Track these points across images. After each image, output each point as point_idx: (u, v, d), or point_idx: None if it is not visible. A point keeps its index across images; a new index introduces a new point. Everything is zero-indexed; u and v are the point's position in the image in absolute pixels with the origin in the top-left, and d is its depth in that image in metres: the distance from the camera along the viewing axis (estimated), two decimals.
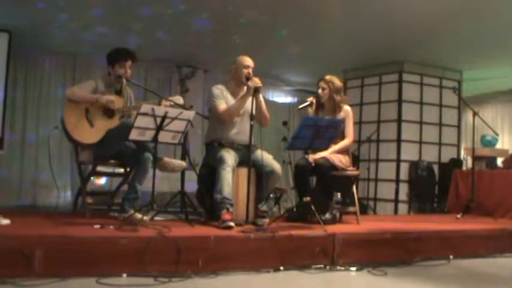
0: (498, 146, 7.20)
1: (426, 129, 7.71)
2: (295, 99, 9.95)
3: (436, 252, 3.97)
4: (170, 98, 4.19)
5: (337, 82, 4.61)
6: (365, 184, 7.68)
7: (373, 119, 7.85)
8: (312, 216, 3.98)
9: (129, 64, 4.16)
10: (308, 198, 4.00)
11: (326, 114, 4.53)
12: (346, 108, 4.59)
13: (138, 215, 3.70)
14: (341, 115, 4.52)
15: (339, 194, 5.85)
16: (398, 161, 7.52)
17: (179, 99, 4.22)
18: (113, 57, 4.17)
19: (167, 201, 4.39)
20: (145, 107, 3.59)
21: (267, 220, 4.09)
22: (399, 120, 7.55)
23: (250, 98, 4.09)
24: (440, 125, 7.84)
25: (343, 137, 4.50)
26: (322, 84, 4.58)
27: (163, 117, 3.62)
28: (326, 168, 4.26)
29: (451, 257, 3.97)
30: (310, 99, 4.61)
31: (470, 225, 4.77)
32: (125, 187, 4.39)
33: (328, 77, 4.60)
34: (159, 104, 4.04)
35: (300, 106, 4.69)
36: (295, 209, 4.54)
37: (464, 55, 7.15)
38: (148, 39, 6.73)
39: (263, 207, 5.16)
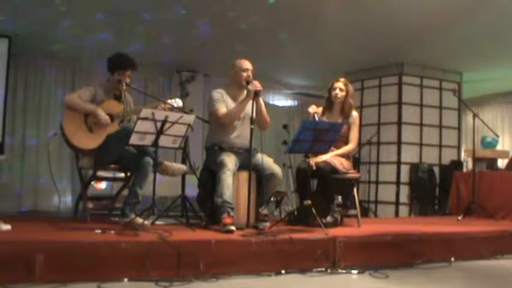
0: (498, 147, 7.20)
1: (426, 131, 7.70)
2: (296, 102, 9.96)
3: (437, 255, 3.96)
4: (169, 101, 4.19)
5: (351, 86, 4.59)
6: (366, 187, 7.68)
7: (374, 121, 7.85)
8: (313, 219, 3.96)
9: (128, 73, 4.17)
10: (309, 202, 3.99)
11: (333, 117, 4.49)
12: (354, 113, 4.56)
13: (139, 220, 3.70)
14: (349, 120, 4.49)
15: (339, 197, 5.85)
16: (398, 163, 7.52)
17: (178, 103, 4.22)
18: (113, 64, 4.18)
19: (168, 205, 4.40)
20: (146, 112, 3.59)
21: (267, 224, 4.08)
22: (399, 123, 7.55)
23: (250, 102, 4.09)
24: (441, 127, 7.84)
25: (346, 141, 4.48)
26: (340, 85, 4.48)
27: (164, 122, 3.63)
28: (327, 172, 4.25)
29: (453, 259, 3.96)
30: (318, 110, 4.39)
31: (471, 227, 4.77)
32: (126, 192, 4.39)
33: (343, 80, 4.54)
34: (156, 107, 4.04)
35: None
36: (296, 212, 4.54)
37: (464, 57, 7.16)
38: (149, 43, 6.74)
39: (264, 210, 5.16)
